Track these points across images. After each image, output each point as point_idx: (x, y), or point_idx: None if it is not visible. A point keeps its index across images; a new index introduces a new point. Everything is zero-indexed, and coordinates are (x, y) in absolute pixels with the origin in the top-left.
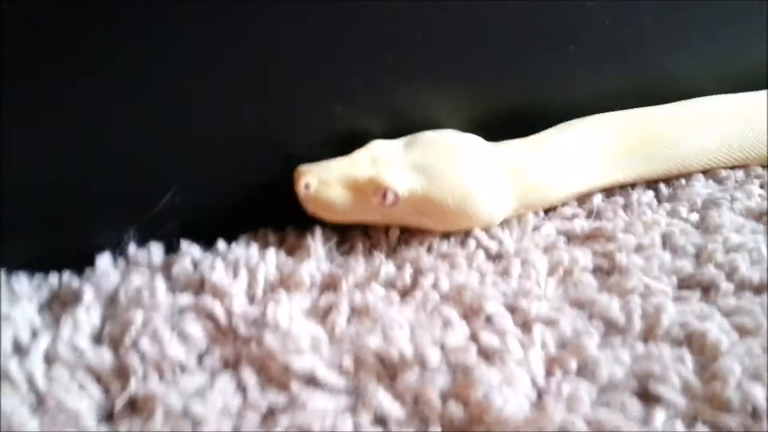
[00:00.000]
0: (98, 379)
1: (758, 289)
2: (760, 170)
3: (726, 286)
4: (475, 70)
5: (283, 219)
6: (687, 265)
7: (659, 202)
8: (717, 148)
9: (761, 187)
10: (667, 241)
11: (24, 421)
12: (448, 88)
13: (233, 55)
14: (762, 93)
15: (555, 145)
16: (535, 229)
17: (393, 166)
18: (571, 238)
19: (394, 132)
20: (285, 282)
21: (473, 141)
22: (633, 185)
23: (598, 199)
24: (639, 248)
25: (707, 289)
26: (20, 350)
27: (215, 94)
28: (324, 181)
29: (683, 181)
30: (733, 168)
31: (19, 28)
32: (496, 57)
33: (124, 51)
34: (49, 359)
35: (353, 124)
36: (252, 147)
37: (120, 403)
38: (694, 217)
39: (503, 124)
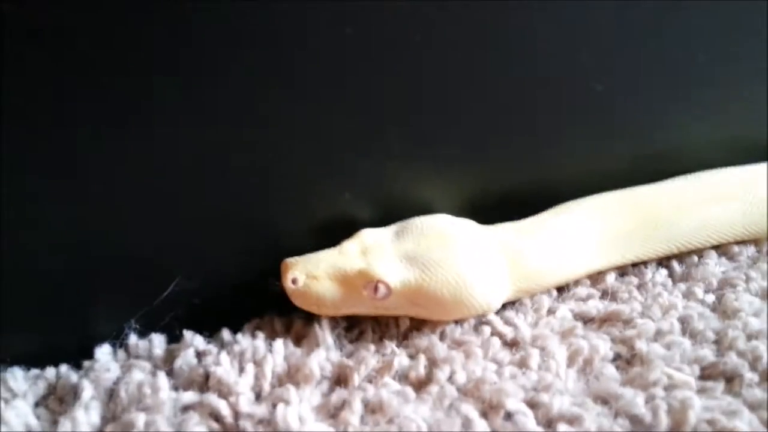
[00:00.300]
0: None
1: None
2: None
3: (750, 376)
4: (469, 151)
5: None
6: (709, 354)
7: (674, 281)
8: (719, 225)
9: None
10: (686, 326)
11: None
12: (440, 170)
13: (230, 146)
14: (762, 166)
15: (552, 228)
16: (550, 312)
17: (384, 256)
18: (586, 321)
19: (383, 217)
20: (293, 376)
21: (467, 226)
22: (645, 263)
23: (611, 279)
24: (659, 334)
25: (731, 380)
26: None
27: (212, 185)
28: (312, 275)
29: (695, 258)
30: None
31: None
32: (491, 138)
33: (120, 148)
34: None
35: (342, 210)
36: (247, 234)
37: None
38: (710, 298)
39: (498, 206)
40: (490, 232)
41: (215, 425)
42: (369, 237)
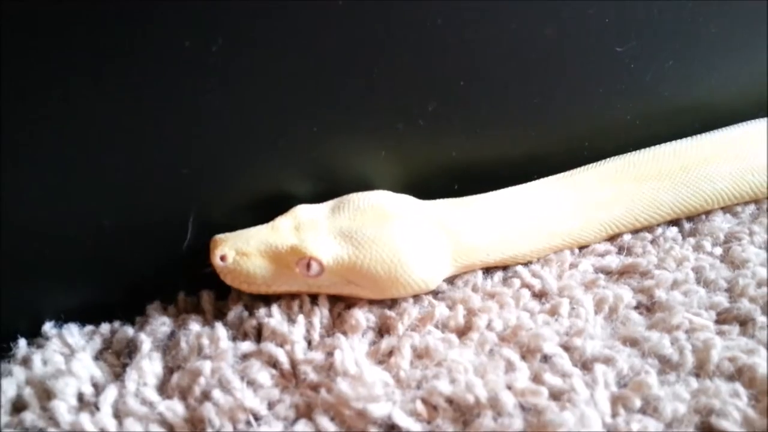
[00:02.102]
0: (171, 431)
1: None
2: None
3: (762, 319)
4: (409, 123)
5: None
6: (723, 300)
7: (683, 236)
8: (654, 204)
9: None
10: (699, 276)
11: None
12: (380, 143)
13: (155, 116)
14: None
15: (496, 205)
16: (573, 265)
17: (317, 233)
18: (606, 274)
19: (322, 194)
20: (340, 327)
21: (405, 202)
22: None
23: (627, 237)
24: (675, 284)
25: (744, 323)
26: (85, 404)
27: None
28: (242, 252)
29: (703, 216)
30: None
31: None
32: (432, 110)
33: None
34: (119, 413)
35: (278, 186)
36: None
37: None
38: (718, 251)
39: (443, 181)
40: (429, 208)
41: (274, 371)
42: (304, 213)
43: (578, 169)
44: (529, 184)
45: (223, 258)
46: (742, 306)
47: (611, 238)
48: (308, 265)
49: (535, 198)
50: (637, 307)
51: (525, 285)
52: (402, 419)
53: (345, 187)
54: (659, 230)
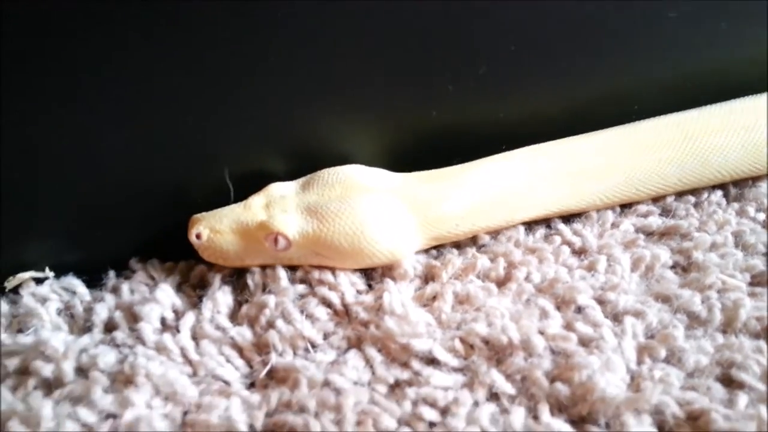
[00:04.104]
0: (241, 353)
1: None
2: None
3: None
4: (387, 97)
5: None
6: (759, 264)
7: (728, 201)
8: (656, 175)
9: None
10: (738, 240)
11: (185, 388)
12: (357, 117)
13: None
14: (701, 111)
15: (469, 176)
16: (614, 225)
17: (286, 209)
18: (647, 234)
19: (302, 170)
20: (389, 274)
21: (374, 176)
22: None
23: (670, 199)
24: (714, 246)
25: None
26: (167, 327)
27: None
28: (215, 230)
29: (749, 182)
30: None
31: None
32: (407, 84)
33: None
34: (196, 336)
35: (257, 165)
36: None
37: (263, 373)
38: (761, 216)
39: (422, 154)
40: (398, 180)
41: (329, 309)
42: (276, 190)
43: (570, 138)
44: (514, 152)
45: (198, 236)
46: None
47: (655, 200)
48: (276, 240)
49: (515, 168)
50: (673, 267)
51: (565, 242)
52: (441, 354)
53: (325, 163)
54: (704, 194)
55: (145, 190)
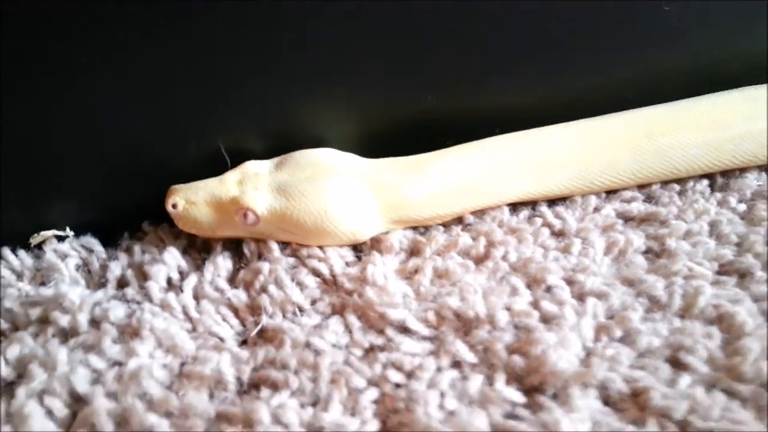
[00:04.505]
0: (236, 313)
1: None
2: None
3: (760, 274)
4: (363, 83)
5: None
6: (728, 254)
7: (712, 190)
8: (614, 169)
9: None
10: (714, 229)
11: (184, 342)
12: (332, 103)
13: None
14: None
15: (432, 165)
16: (596, 209)
17: (257, 186)
18: (627, 219)
19: (278, 151)
20: (376, 246)
21: (344, 160)
22: None
23: (656, 186)
24: (688, 234)
25: (743, 276)
26: (173, 287)
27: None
28: (190, 201)
29: (737, 172)
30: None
31: None
32: (384, 70)
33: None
34: (197, 295)
35: (238, 143)
36: None
37: (254, 332)
38: (742, 207)
39: (399, 141)
40: (366, 166)
41: (318, 279)
42: (250, 168)
43: (536, 129)
44: (479, 142)
45: (174, 206)
46: (744, 260)
47: (641, 186)
48: (245, 215)
49: (477, 158)
50: (646, 252)
51: (546, 224)
52: (414, 323)
53: (302, 144)
54: (690, 183)
55: (152, 162)
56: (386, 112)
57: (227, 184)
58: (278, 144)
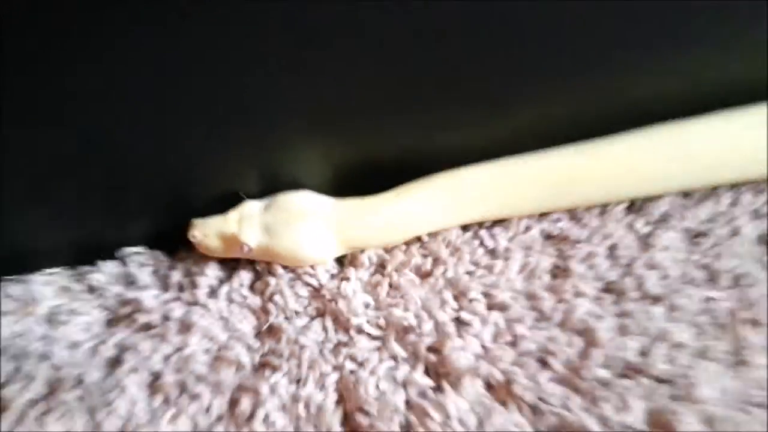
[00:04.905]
0: (253, 313)
1: (656, 300)
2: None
3: (634, 294)
4: (335, 132)
5: None
6: (614, 275)
7: (628, 212)
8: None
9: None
10: (611, 251)
11: (219, 334)
12: (309, 152)
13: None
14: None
15: (381, 204)
16: (527, 229)
17: (251, 225)
18: (549, 238)
19: (270, 191)
20: (353, 262)
21: (314, 202)
22: None
23: (581, 208)
24: (588, 256)
25: (620, 295)
26: (213, 293)
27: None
28: (205, 234)
29: (656, 197)
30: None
31: None
32: (354, 123)
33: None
34: (228, 299)
35: (236, 186)
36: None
37: (263, 329)
38: (647, 229)
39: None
40: (330, 207)
41: (311, 288)
42: (246, 208)
43: (460, 170)
44: (423, 180)
45: (193, 237)
46: (625, 281)
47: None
48: (242, 246)
49: (413, 198)
50: (554, 271)
51: (482, 244)
52: (368, 328)
53: (287, 186)
54: (610, 205)
55: (197, 193)
56: (355, 158)
57: (229, 222)
58: (268, 186)
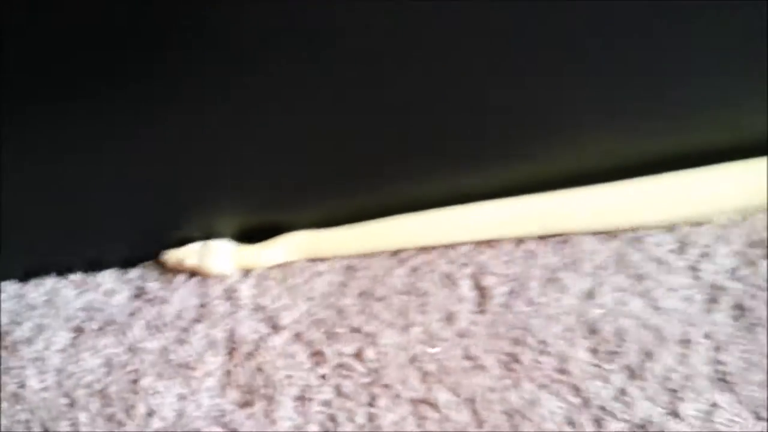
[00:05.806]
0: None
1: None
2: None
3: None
4: (244, 194)
5: None
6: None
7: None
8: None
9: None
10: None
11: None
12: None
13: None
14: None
15: (260, 247)
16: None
17: (203, 255)
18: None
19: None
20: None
21: (225, 248)
22: None
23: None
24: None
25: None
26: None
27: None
28: (171, 261)
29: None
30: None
31: None
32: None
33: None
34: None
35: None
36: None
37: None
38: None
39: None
40: (234, 250)
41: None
42: (205, 245)
43: (402, 217)
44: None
45: (165, 262)
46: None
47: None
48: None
49: (275, 245)
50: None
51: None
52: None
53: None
54: (574, 237)
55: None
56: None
57: (190, 253)
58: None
